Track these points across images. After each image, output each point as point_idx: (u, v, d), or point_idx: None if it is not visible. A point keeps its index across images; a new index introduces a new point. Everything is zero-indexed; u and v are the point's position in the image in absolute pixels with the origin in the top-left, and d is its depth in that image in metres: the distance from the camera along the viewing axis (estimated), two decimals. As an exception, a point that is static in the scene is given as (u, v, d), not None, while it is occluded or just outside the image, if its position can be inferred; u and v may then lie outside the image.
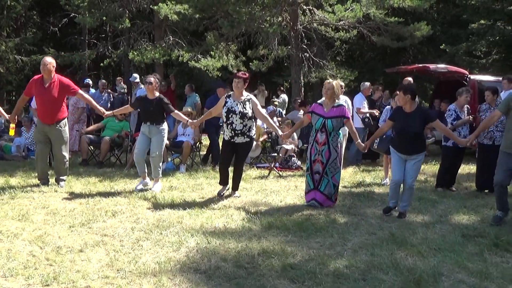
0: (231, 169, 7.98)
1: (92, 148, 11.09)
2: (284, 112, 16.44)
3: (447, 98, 11.59)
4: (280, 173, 10.20)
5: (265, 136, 11.62)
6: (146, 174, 8.35)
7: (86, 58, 18.15)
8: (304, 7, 15.57)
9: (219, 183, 8.03)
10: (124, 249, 5.27)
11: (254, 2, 14.16)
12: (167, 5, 14.16)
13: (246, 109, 7.51)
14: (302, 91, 16.13)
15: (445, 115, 8.74)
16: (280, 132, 7.95)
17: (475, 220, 6.81)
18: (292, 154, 11.06)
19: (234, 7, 13.54)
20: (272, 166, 10.28)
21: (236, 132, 7.53)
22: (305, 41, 16.51)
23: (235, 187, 7.96)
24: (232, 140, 7.61)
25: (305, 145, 11.80)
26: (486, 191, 8.56)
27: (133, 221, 6.34)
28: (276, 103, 15.80)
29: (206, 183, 8.93)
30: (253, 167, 10.86)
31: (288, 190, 8.56)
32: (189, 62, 15.80)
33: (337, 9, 14.74)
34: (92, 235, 5.70)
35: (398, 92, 6.74)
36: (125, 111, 9.40)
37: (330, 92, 7.23)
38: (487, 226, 6.43)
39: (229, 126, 7.55)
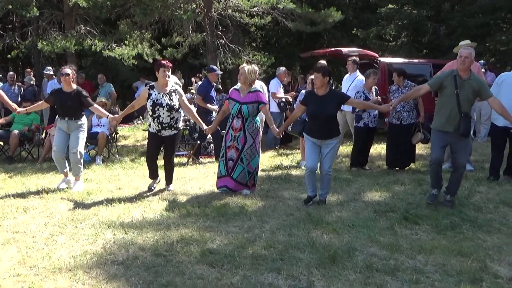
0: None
1: (2, 144, 10.61)
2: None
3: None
4: (199, 160, 10.18)
5: (183, 124, 11.52)
6: (68, 171, 7.85)
7: (-9, 49, 17.30)
8: (218, -6, 15.55)
9: (149, 177, 7.70)
10: (37, 245, 5.10)
11: (167, -12, 13.97)
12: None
13: (173, 101, 7.15)
14: (219, 78, 16.12)
15: (354, 96, 9.00)
16: (204, 126, 7.67)
17: (387, 196, 7.09)
18: (211, 141, 11.05)
19: (146, -6, 13.30)
20: (190, 153, 10.23)
21: (164, 125, 7.17)
22: (220, 27, 16.49)
23: (169, 181, 7.65)
24: (159, 133, 7.25)
25: (223, 131, 11.85)
26: (397, 168, 8.92)
27: (46, 216, 6.14)
28: (192, 91, 15.72)
29: (123, 173, 8.79)
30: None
31: (207, 177, 8.56)
32: (102, 51, 15.39)
33: (250, -5, 14.82)
34: (3, 233, 5.47)
35: (313, 75, 6.69)
36: (40, 108, 8.70)
37: (243, 77, 7.16)
38: (398, 201, 6.72)
39: (155, 119, 7.15)
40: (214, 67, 10.56)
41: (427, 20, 19.42)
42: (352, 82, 9.89)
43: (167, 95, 7.14)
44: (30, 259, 4.71)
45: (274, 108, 11.12)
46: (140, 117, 16.52)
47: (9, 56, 17.83)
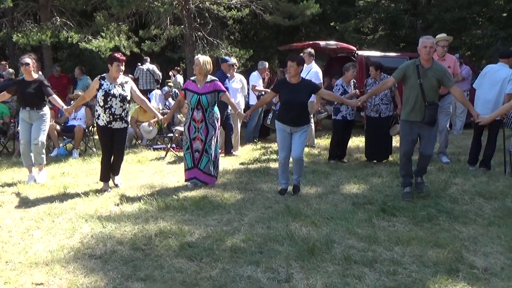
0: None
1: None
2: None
3: (338, 75, 11.99)
4: (177, 153, 10.13)
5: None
6: (31, 166, 7.75)
7: (-35, 42, 16.97)
8: (196, -14, 15.45)
9: (101, 179, 7.25)
10: (13, 240, 5.04)
11: (144, -20, 13.85)
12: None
13: (126, 92, 7.05)
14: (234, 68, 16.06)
15: (333, 90, 9.04)
16: (160, 116, 7.65)
17: (365, 189, 7.14)
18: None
19: (122, -15, 13.16)
20: (168, 147, 10.18)
21: (115, 116, 6.97)
22: (198, 20, 16.40)
23: (117, 172, 7.41)
24: (110, 125, 7.00)
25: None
26: (375, 161, 8.98)
27: (22, 210, 6.07)
28: (170, 83, 15.62)
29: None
30: (150, 149, 10.70)
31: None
32: (79, 43, 15.20)
33: (228, -13, 14.77)
34: (-23, 228, 5.40)
35: (288, 63, 6.65)
36: (2, 98, 8.53)
37: (198, 68, 7.18)
38: (375, 194, 6.77)
39: (107, 110, 6.94)
40: (227, 57, 10.48)
41: (404, 14, 19.59)
42: (308, 73, 9.91)
43: (119, 86, 7.03)
44: (6, 253, 4.66)
45: (253, 100, 11.10)
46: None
47: (-18, 48, 17.52)
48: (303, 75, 10.03)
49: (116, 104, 6.96)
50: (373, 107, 8.69)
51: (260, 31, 25.17)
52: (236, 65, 10.17)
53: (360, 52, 13.44)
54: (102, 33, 15.30)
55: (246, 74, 12.27)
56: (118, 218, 5.70)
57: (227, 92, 7.37)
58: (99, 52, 15.33)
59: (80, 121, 10.27)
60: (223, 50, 16.37)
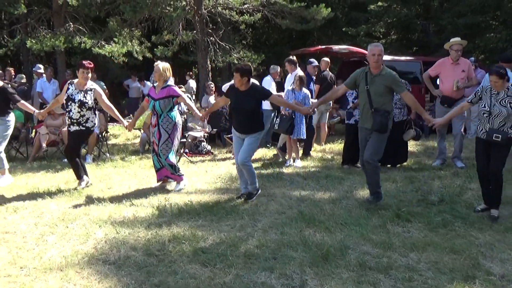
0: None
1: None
2: (194, 97, 16.34)
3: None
4: (190, 158, 10.14)
5: None
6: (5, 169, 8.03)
7: (-21, 48, 17.08)
8: (208, -9, 15.50)
9: (77, 178, 7.68)
10: (28, 246, 5.06)
11: (156, -14, 13.90)
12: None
13: (86, 99, 7.34)
14: (210, 76, 16.07)
15: (346, 94, 8.99)
16: (125, 123, 7.81)
17: (379, 194, 7.08)
18: (202, 139, 11.04)
19: (135, -9, 13.23)
20: (181, 152, 10.19)
21: (72, 120, 7.36)
22: (210, 25, 16.43)
23: (77, 177, 7.64)
24: (69, 128, 7.47)
25: (214, 129, 11.84)
26: (389, 166, 8.92)
27: (36, 216, 6.09)
28: (183, 89, 15.65)
29: (114, 172, 8.73)
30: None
31: (198, 175, 8.52)
32: (92, 49, 15.28)
33: (240, -8, 14.80)
34: (-8, 233, 5.43)
35: (235, 73, 6.63)
36: None
37: (157, 75, 7.32)
38: (389, 199, 6.72)
39: (67, 114, 7.44)
40: (312, 59, 10.50)
41: (416, 18, 19.50)
42: (293, 81, 9.92)
43: (82, 92, 7.35)
44: (21, 259, 4.67)
45: (266, 105, 11.08)
46: (131, 115, 16.44)
47: (-4, 54, 17.63)
48: (288, 83, 10.09)
49: (74, 109, 7.30)
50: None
51: (272, 36, 25.18)
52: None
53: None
54: (115, 39, 15.37)
55: (259, 78, 12.26)
56: (131, 224, 5.71)
57: (182, 96, 7.41)
58: (112, 58, 15.40)
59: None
60: (235, 54, 16.38)
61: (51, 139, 10.20)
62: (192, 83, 18.16)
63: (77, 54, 21.83)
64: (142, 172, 8.80)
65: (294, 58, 10.33)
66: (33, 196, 7.08)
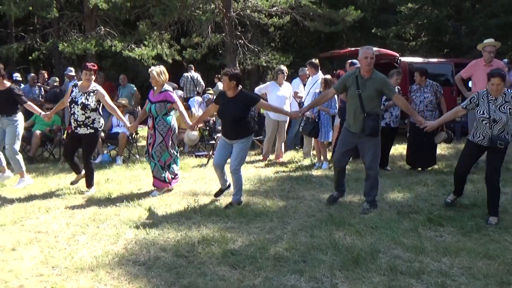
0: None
1: (24, 144, 10.69)
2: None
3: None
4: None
5: (202, 124, 11.54)
6: (5, 166, 8.28)
7: (13, 51, 17.37)
8: (237, -6, 15.54)
9: (73, 171, 7.91)
10: (59, 245, 5.12)
11: (186, -11, 13.99)
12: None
13: (88, 101, 7.37)
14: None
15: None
16: (128, 124, 7.86)
17: (409, 197, 6.99)
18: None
19: (165, -6, 13.33)
20: (210, 154, 10.22)
21: (78, 123, 7.41)
22: (239, 28, 16.47)
23: (88, 184, 7.63)
24: (76, 130, 7.46)
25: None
26: (419, 169, 8.80)
27: (68, 216, 6.17)
28: (211, 92, 15.72)
29: (144, 174, 8.78)
30: (192, 155, 10.77)
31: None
32: (122, 52, 15.47)
33: (269, -5, 14.81)
34: (25, 233, 5.51)
35: (223, 77, 6.61)
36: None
37: (154, 81, 7.34)
38: (421, 203, 6.62)
39: (72, 116, 7.47)
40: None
41: (448, 20, 19.21)
42: (313, 84, 9.82)
43: (84, 94, 7.40)
44: (53, 259, 4.73)
45: (295, 107, 11.04)
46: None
47: (30, 57, 17.95)
48: (309, 86, 10.00)
49: (78, 111, 7.36)
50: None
51: (301, 38, 25.11)
52: (286, 72, 10.15)
53: (403, 59, 13.25)
54: (145, 42, 15.52)
55: (288, 81, 12.20)
56: (161, 225, 5.73)
57: (177, 102, 7.44)
58: (142, 60, 15.56)
59: (124, 128, 10.39)
60: (264, 57, 16.38)
61: (82, 141, 10.34)
62: (221, 86, 18.17)
63: (108, 58, 22.14)
64: (171, 173, 8.84)
65: (317, 61, 10.25)
66: (64, 196, 7.18)
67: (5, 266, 4.54)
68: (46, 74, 14.58)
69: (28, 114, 11.28)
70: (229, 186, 7.10)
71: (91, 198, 7.05)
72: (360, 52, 6.38)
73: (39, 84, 14.06)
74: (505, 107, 5.79)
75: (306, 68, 11.70)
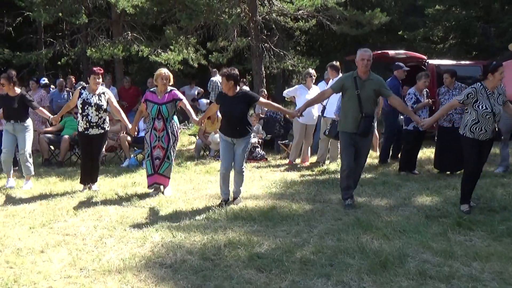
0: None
1: (53, 148, 10.85)
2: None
3: (407, 83, 11.71)
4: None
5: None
6: (12, 172, 8.46)
7: (43, 57, 17.66)
8: (263, -2, 15.56)
9: (80, 182, 8.02)
10: (87, 248, 5.16)
11: (212, -7, 14.05)
12: (124, -2, 13.94)
13: (101, 101, 7.67)
14: (264, 82, 16.09)
15: (405, 98, 8.80)
16: (129, 126, 7.96)
17: (438, 201, 6.88)
18: (257, 145, 11.04)
19: (191, -1, 13.40)
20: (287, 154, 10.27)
21: (91, 124, 7.65)
22: (265, 31, 16.49)
23: (94, 179, 8.02)
24: (87, 132, 7.69)
25: (269, 135, 11.84)
26: (448, 172, 8.67)
27: (95, 219, 6.22)
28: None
29: (171, 178, 8.80)
30: (217, 159, 10.77)
31: (253, 180, 8.51)
32: (149, 56, 15.60)
33: (295, -2, 14.79)
34: (53, 235, 5.58)
35: (221, 78, 6.79)
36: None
37: (168, 82, 7.48)
38: (450, 207, 6.50)
39: (84, 117, 7.64)
40: (400, 63, 10.48)
41: (476, 21, 18.92)
42: None
43: (96, 96, 7.67)
44: (81, 261, 4.77)
45: (330, 113, 10.96)
46: (186, 121, 16.65)
47: (59, 63, 18.23)
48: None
49: (92, 112, 7.61)
50: (446, 117, 8.36)
51: (327, 41, 25.02)
52: (314, 76, 10.12)
53: (430, 61, 13.08)
54: (171, 46, 15.63)
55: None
56: (187, 228, 5.74)
57: (184, 100, 7.58)
58: (168, 65, 15.68)
59: (150, 132, 10.48)
60: (289, 61, 16.36)
61: (109, 145, 10.44)
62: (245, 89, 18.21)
63: (134, 63, 22.37)
64: (198, 177, 8.87)
65: (337, 63, 10.14)
66: (92, 199, 7.26)
67: (34, 268, 4.59)
68: (73, 79, 14.76)
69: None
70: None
71: (119, 201, 7.11)
72: (358, 54, 6.62)
73: (67, 89, 14.24)
74: (500, 99, 6.18)
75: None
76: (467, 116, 6.32)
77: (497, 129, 6.16)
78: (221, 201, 6.93)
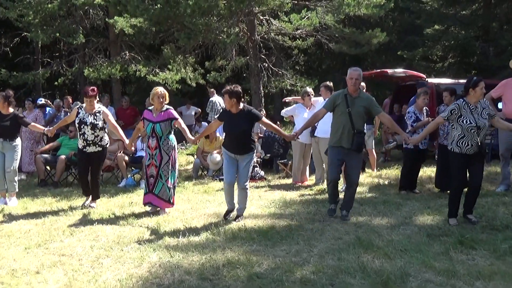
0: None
1: (49, 168, 10.75)
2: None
3: (407, 103, 11.69)
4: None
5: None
6: (5, 192, 8.51)
7: (40, 77, 17.68)
8: (261, 17, 15.59)
9: (83, 194, 8.32)
10: (83, 268, 5.06)
11: (210, 13, 14.06)
12: (123, 17, 13.93)
13: (97, 120, 7.80)
14: (263, 101, 16.08)
15: (405, 117, 8.77)
16: (127, 141, 8.12)
17: (439, 220, 6.79)
18: (255, 164, 10.96)
19: (190, 18, 13.38)
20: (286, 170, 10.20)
21: (88, 142, 7.82)
22: (263, 51, 16.51)
23: (94, 197, 8.16)
24: (85, 149, 7.89)
25: (267, 154, 11.77)
26: (448, 192, 8.58)
27: (92, 239, 6.12)
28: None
29: (168, 197, 8.74)
30: (216, 179, 10.71)
31: (251, 200, 8.40)
32: (147, 76, 15.59)
33: (293, 18, 14.85)
34: (49, 256, 5.47)
35: (224, 95, 6.84)
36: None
37: (164, 100, 7.46)
38: (451, 226, 6.42)
39: (81, 136, 7.84)
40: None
41: (475, 41, 19.01)
42: None
43: (92, 115, 7.83)
44: (77, 282, 4.67)
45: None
46: (183, 141, 16.59)
47: (56, 83, 18.21)
48: (319, 108, 9.87)
49: (88, 131, 7.79)
50: (446, 135, 8.32)
51: (325, 61, 25.10)
52: (312, 94, 10.10)
53: (430, 80, 13.08)
54: (169, 66, 15.64)
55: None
56: (185, 248, 5.65)
57: (179, 120, 7.58)
58: (166, 84, 15.66)
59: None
60: (288, 80, 16.37)
61: (106, 164, 10.33)
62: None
63: (132, 83, 22.39)
64: (196, 197, 8.79)
65: (331, 84, 10.06)
66: (88, 219, 7.17)
67: (29, 289, 4.50)
68: (70, 99, 14.73)
69: (49, 138, 11.34)
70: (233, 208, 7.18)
71: (115, 221, 7.01)
72: (348, 73, 6.83)
73: (65, 109, 14.19)
74: (485, 113, 6.36)
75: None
76: (454, 131, 6.47)
77: (479, 143, 6.28)
78: (226, 211, 7.10)
